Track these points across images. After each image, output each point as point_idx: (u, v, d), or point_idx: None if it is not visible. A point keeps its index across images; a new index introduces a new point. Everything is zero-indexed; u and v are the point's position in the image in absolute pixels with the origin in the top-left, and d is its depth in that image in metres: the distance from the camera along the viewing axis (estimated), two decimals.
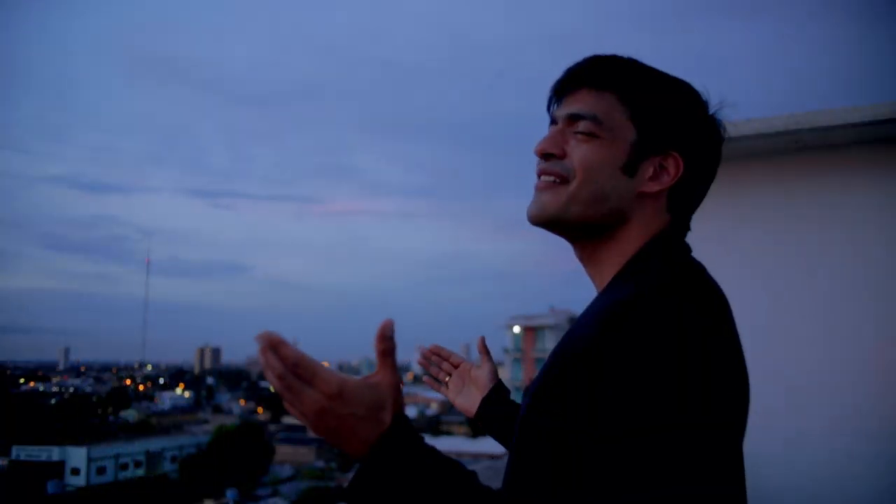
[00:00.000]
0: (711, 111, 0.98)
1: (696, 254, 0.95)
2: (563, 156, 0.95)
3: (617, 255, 0.94)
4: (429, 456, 0.79)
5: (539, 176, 0.98)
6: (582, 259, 1.00)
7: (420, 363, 1.46)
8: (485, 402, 1.33)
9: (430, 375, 1.45)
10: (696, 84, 0.99)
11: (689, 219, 0.99)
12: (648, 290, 0.81)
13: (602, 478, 0.73)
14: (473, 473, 0.81)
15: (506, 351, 51.94)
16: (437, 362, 1.45)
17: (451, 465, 0.80)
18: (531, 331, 49.93)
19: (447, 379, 1.43)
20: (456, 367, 1.43)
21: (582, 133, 0.93)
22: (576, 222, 0.94)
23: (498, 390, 1.34)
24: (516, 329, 50.79)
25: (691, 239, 0.99)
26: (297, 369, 0.76)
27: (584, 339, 0.79)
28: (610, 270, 0.94)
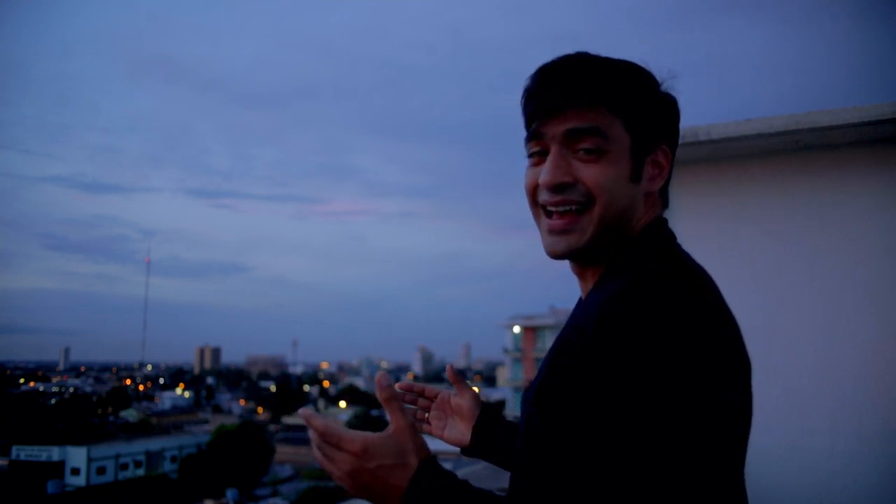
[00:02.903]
0: (662, 84, 0.97)
1: (697, 254, 0.95)
2: (574, 182, 0.89)
3: (601, 257, 0.93)
4: (461, 491, 0.83)
5: (551, 212, 0.92)
6: (581, 272, 0.97)
7: None
8: (478, 430, 1.23)
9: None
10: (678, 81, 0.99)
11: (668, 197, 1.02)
12: (642, 281, 0.82)
13: (606, 472, 0.73)
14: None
15: (506, 351, 51.91)
16: (412, 399, 1.33)
17: (484, 497, 0.83)
18: (531, 331, 49.89)
19: (426, 416, 1.31)
20: (432, 399, 1.31)
21: (587, 151, 0.88)
22: (600, 246, 0.91)
23: (487, 414, 1.24)
24: (516, 329, 50.76)
25: (691, 239, 1.00)
26: (325, 437, 0.87)
27: (582, 334, 0.78)
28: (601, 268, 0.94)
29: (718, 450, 0.78)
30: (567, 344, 0.79)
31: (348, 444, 0.86)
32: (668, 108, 0.96)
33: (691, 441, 0.75)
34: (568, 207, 0.90)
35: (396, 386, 1.28)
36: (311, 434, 0.89)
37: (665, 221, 0.97)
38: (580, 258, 0.94)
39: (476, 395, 1.28)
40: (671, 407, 0.74)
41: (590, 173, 0.88)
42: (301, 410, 0.92)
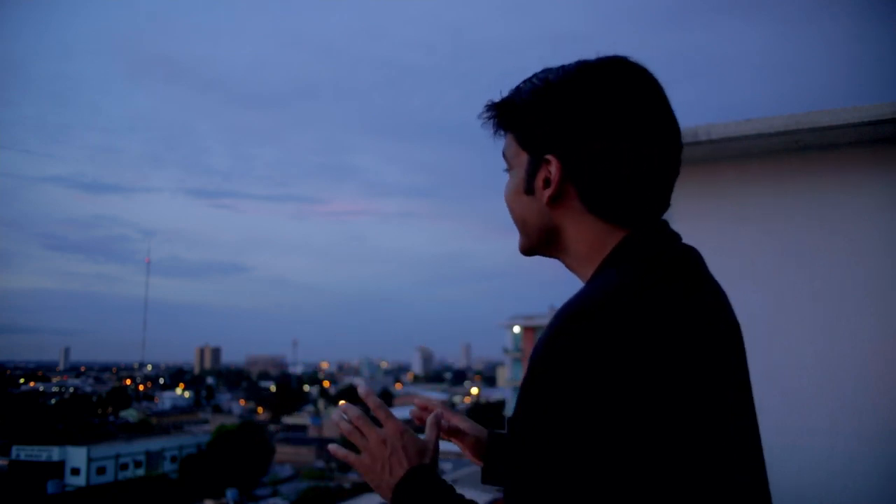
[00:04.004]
0: (608, 81, 0.92)
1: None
2: None
3: (577, 264, 0.98)
4: (453, 492, 0.94)
5: None
6: (575, 274, 1.04)
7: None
8: (487, 466, 1.22)
9: None
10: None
11: (642, 210, 0.93)
12: (605, 285, 0.84)
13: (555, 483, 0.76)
14: None
15: (506, 351, 51.92)
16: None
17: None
18: (531, 331, 49.83)
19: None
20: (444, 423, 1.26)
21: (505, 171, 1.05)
22: (531, 249, 1.03)
23: (493, 453, 1.22)
24: (516, 329, 50.74)
25: (691, 239, 0.97)
26: (377, 410, 1.03)
27: (535, 348, 0.82)
28: (585, 276, 0.97)
29: (677, 456, 0.77)
30: (534, 348, 0.84)
31: (394, 420, 1.01)
32: (559, 118, 0.92)
33: (650, 448, 0.75)
34: None
35: (415, 402, 1.27)
36: (349, 410, 1.03)
37: (655, 227, 0.94)
38: (532, 255, 1.05)
39: (475, 443, 1.23)
40: (618, 414, 0.75)
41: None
42: (361, 388, 1.04)
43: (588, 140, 0.90)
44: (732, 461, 0.82)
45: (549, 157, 0.93)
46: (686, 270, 0.90)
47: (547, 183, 0.94)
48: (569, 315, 0.80)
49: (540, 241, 1.00)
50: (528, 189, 0.97)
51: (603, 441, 0.75)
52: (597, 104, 0.90)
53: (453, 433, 1.23)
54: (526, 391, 0.81)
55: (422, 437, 1.04)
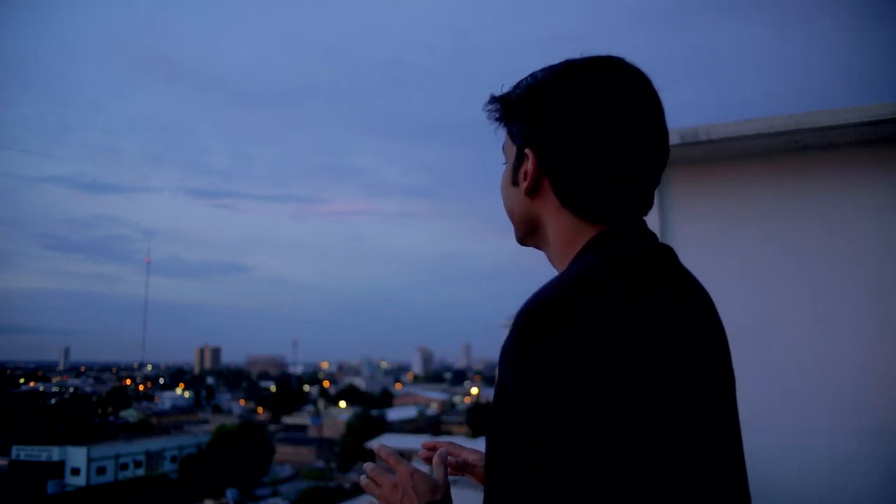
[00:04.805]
0: (584, 78, 0.93)
1: (697, 254, 0.94)
2: None
3: (554, 257, 1.01)
4: None
5: None
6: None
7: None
8: None
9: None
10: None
11: (617, 208, 0.93)
12: (538, 295, 0.84)
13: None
14: None
15: None
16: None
17: None
18: None
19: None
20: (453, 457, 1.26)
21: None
22: (520, 238, 1.07)
23: None
24: None
25: (691, 239, 0.98)
26: (389, 459, 1.11)
27: (502, 348, 0.84)
28: (560, 269, 0.99)
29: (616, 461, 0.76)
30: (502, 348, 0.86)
31: (404, 465, 1.08)
32: (537, 114, 0.95)
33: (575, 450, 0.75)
34: None
35: (421, 444, 1.28)
36: (367, 466, 1.11)
37: (629, 226, 0.93)
38: (524, 245, 1.08)
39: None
40: (588, 417, 0.75)
41: None
42: (375, 446, 1.14)
43: (562, 137, 0.93)
44: (719, 463, 0.82)
45: (527, 151, 0.97)
46: (673, 269, 0.90)
47: (525, 176, 0.98)
48: (526, 310, 0.81)
49: (525, 231, 1.04)
50: (514, 181, 1.02)
51: (568, 438, 0.74)
52: (570, 103, 0.92)
53: (462, 468, 1.22)
54: (494, 395, 0.83)
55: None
